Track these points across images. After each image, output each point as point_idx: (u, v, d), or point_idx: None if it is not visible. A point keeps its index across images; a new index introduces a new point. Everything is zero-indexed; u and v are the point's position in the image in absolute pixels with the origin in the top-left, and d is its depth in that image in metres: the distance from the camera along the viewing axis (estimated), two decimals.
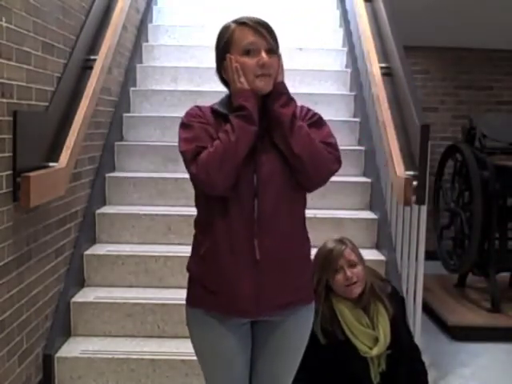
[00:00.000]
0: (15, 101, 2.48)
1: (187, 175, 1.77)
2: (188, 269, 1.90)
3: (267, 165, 1.76)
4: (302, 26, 4.96)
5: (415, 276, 3.11)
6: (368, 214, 3.75)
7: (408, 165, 3.06)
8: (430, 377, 2.61)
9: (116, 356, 2.94)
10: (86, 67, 3.30)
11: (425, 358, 2.60)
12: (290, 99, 1.79)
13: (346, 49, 4.84)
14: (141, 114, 4.32)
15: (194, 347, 1.92)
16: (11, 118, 2.44)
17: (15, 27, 2.47)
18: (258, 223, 1.75)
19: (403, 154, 3.15)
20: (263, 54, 1.75)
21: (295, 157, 1.74)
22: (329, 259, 2.35)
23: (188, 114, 1.82)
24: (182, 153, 1.76)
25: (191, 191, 1.87)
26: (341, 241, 2.39)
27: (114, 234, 3.56)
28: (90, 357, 2.93)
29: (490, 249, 4.46)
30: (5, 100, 2.39)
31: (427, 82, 6.41)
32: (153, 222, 3.56)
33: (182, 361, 2.92)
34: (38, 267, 2.77)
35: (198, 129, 1.77)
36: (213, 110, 1.83)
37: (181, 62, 4.67)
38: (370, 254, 3.40)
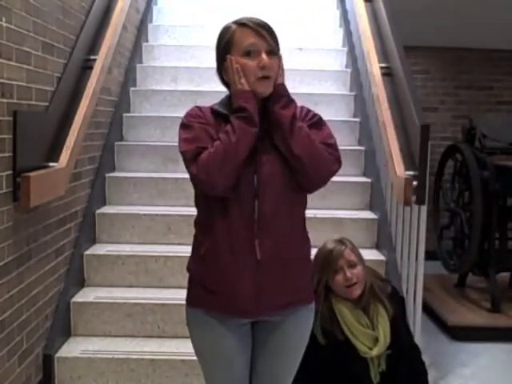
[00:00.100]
0: (15, 101, 2.48)
1: (187, 175, 1.77)
2: (188, 269, 1.90)
3: (267, 166, 1.77)
4: (302, 26, 4.96)
5: (415, 276, 3.11)
6: (368, 214, 3.75)
7: (408, 165, 3.06)
8: (430, 377, 2.61)
9: (116, 356, 2.94)
10: (86, 67, 3.30)
11: (425, 357, 2.60)
12: (290, 101, 1.79)
13: (346, 49, 4.84)
14: (141, 114, 4.32)
15: (194, 347, 1.92)
16: (11, 118, 2.44)
17: (15, 27, 2.47)
18: (259, 224, 1.76)
19: (403, 154, 3.15)
20: (264, 56, 1.75)
21: (295, 158, 1.74)
22: (329, 260, 2.34)
23: (188, 114, 1.83)
24: (183, 153, 1.76)
25: (191, 191, 1.87)
26: (340, 241, 2.39)
27: (113, 233, 3.56)
28: (89, 357, 2.93)
29: (490, 249, 4.46)
30: (5, 100, 2.39)
31: (427, 82, 6.41)
32: (153, 222, 3.56)
33: (182, 361, 2.92)
34: (37, 267, 2.77)
35: (198, 129, 1.77)
36: (213, 111, 1.83)
37: (181, 62, 4.67)
38: (370, 254, 3.40)
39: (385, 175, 3.60)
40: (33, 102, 2.68)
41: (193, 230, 1.90)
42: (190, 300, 1.89)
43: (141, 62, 4.68)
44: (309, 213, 1.92)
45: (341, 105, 4.42)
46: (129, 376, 2.92)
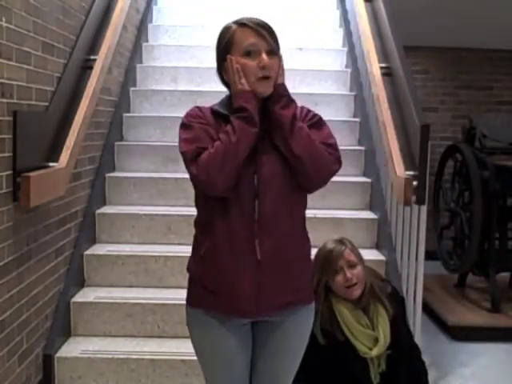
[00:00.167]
0: (15, 101, 2.48)
1: (187, 175, 1.78)
2: (188, 269, 1.90)
3: (268, 166, 1.77)
4: (302, 26, 4.96)
5: (415, 276, 3.11)
6: (368, 214, 3.75)
7: (408, 165, 3.06)
8: (430, 377, 2.61)
9: (116, 356, 2.94)
10: (86, 67, 3.30)
11: (425, 357, 2.60)
12: (290, 101, 1.79)
13: (345, 49, 4.84)
14: (141, 114, 4.32)
15: (194, 347, 1.92)
16: (11, 118, 2.44)
17: (15, 27, 2.47)
18: (259, 224, 1.76)
19: (403, 154, 3.15)
20: (264, 56, 1.75)
21: (295, 158, 1.74)
22: (328, 260, 2.34)
23: (188, 114, 1.83)
24: (183, 153, 1.76)
25: (191, 191, 1.87)
26: (340, 241, 2.39)
27: (113, 234, 3.56)
28: (90, 357, 2.93)
29: (490, 249, 4.46)
30: (5, 100, 2.39)
31: (427, 82, 6.41)
32: (153, 221, 3.56)
33: (182, 361, 2.92)
34: (38, 267, 2.77)
35: (199, 129, 1.77)
36: (213, 111, 1.83)
37: (181, 62, 4.67)
38: (370, 254, 3.40)
39: (385, 175, 3.60)
40: (33, 102, 2.68)
41: (193, 230, 1.90)
42: (190, 300, 1.89)
43: (141, 62, 4.68)
44: (309, 213, 1.92)
45: (341, 105, 4.42)
46: (129, 376, 2.92)
